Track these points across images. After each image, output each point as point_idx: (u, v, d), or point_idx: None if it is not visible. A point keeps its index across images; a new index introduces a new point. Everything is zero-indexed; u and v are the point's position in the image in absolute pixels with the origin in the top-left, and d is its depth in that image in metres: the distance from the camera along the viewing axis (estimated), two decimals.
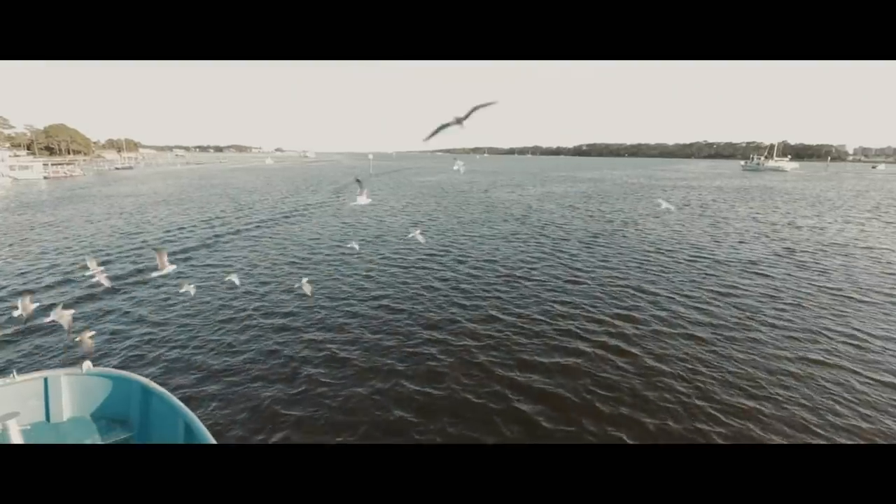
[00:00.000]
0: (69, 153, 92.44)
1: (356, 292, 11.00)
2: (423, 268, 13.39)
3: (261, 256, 14.64)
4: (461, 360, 7.63)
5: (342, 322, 9.14)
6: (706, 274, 12.97)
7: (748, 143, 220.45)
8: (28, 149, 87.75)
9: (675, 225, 22.07)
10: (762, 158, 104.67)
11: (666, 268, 13.61)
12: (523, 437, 5.65)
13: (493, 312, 9.77)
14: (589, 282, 12.08)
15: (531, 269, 13.41)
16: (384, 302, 10.36)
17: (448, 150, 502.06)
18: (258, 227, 20.44)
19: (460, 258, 14.62)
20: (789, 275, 12.91)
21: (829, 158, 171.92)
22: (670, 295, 11.00)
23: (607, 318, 9.46)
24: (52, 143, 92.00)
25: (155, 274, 6.89)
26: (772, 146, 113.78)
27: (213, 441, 3.81)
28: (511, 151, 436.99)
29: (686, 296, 10.96)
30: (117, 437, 4.58)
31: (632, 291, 11.26)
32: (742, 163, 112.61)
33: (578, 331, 8.84)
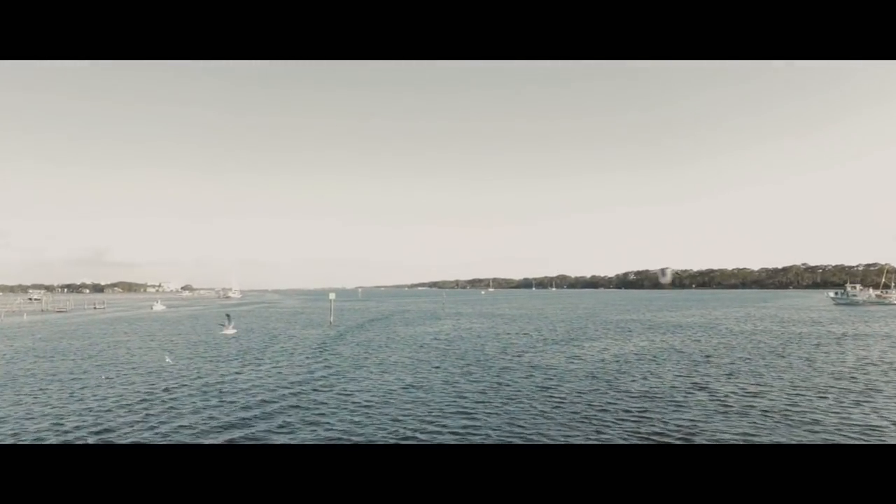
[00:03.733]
0: None
1: None
2: None
3: None
4: None
5: None
6: None
7: (867, 266, 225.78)
8: None
9: None
10: (857, 288, 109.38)
11: None
12: None
13: None
14: None
15: None
16: None
17: (434, 284, 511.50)
18: None
19: None
20: None
21: None
22: None
23: None
24: None
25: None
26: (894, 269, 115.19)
27: None
28: (527, 284, 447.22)
29: None
30: None
31: None
32: (831, 294, 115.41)
33: None
